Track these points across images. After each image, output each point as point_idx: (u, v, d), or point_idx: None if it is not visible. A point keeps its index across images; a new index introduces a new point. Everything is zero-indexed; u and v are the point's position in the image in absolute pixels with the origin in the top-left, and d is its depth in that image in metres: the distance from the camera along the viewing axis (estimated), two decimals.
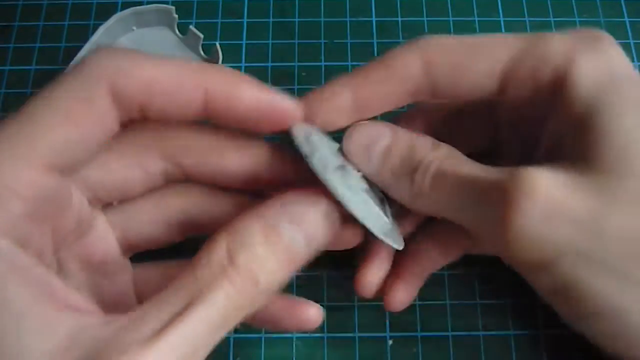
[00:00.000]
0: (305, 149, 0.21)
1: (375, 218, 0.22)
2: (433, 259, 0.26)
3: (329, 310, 0.27)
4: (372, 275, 0.25)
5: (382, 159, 0.23)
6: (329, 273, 0.28)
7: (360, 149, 0.23)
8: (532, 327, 0.27)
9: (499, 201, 0.19)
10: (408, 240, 0.24)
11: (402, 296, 0.25)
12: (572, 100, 0.21)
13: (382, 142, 0.23)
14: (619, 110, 0.20)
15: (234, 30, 0.33)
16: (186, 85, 0.20)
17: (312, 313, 0.23)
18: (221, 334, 0.18)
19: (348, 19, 0.34)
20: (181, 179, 0.23)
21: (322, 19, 0.34)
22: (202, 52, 0.32)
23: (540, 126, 0.22)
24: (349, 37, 0.33)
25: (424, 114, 0.27)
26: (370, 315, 0.27)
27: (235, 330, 0.27)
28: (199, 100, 0.20)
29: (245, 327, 0.27)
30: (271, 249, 0.19)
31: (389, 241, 0.22)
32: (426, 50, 0.22)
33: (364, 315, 0.27)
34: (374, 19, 0.34)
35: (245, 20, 0.34)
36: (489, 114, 0.25)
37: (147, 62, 0.19)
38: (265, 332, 0.27)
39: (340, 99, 0.23)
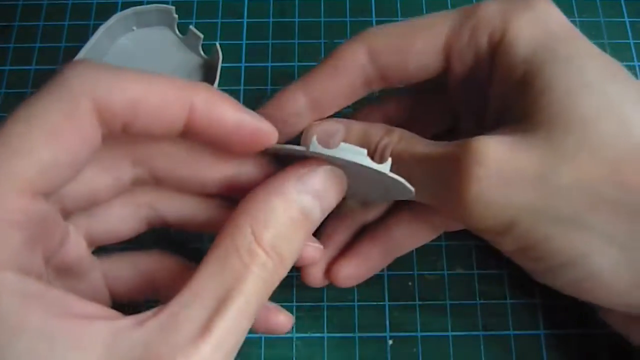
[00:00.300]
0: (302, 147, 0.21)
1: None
2: (398, 240, 0.26)
3: (329, 310, 0.27)
4: (313, 267, 0.26)
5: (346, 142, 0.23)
6: None
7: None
8: (532, 327, 0.27)
9: (452, 172, 0.20)
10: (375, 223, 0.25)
11: (347, 272, 0.26)
12: (509, 62, 0.21)
13: (337, 136, 0.23)
14: (555, 66, 0.20)
15: (234, 30, 0.33)
16: (171, 104, 0.19)
17: (282, 319, 0.23)
18: (256, 315, 0.18)
19: (348, 19, 0.34)
20: (150, 184, 0.22)
21: (322, 19, 0.34)
22: (202, 52, 0.32)
23: (486, 98, 0.23)
24: (348, 37, 0.33)
25: (380, 108, 0.27)
26: (370, 315, 0.27)
27: None
28: (183, 119, 0.19)
29: None
30: (294, 225, 0.19)
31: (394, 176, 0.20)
32: (368, 40, 0.23)
33: (364, 315, 0.27)
34: (374, 19, 0.34)
35: (245, 20, 0.34)
36: (442, 93, 0.25)
37: (131, 78, 0.19)
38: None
39: (295, 103, 0.23)
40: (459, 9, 0.23)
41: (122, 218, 0.23)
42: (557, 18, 0.21)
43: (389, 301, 0.28)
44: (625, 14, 0.34)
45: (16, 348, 0.15)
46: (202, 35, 0.31)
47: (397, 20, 0.34)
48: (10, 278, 0.16)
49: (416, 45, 0.22)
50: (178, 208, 0.23)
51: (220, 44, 0.31)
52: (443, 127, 0.26)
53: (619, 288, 0.20)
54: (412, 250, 0.28)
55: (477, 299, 0.28)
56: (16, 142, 0.17)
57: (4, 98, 0.32)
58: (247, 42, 0.33)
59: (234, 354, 0.17)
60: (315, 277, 0.26)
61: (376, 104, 0.27)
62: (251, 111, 0.21)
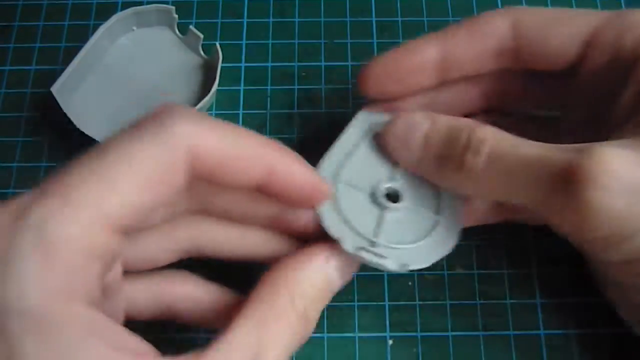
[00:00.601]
0: (334, 233, 0.22)
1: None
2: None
3: (329, 310, 0.27)
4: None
5: (422, 145, 0.23)
6: None
7: (399, 141, 0.23)
8: (532, 327, 0.27)
9: (571, 181, 0.19)
10: None
11: None
12: None
13: (421, 128, 0.23)
14: None
15: (234, 30, 0.33)
16: (256, 162, 0.20)
17: None
18: None
19: (348, 19, 0.34)
20: (197, 214, 0.23)
21: (322, 19, 0.34)
22: (202, 52, 0.32)
23: (612, 99, 0.22)
24: (349, 37, 0.33)
25: (476, 82, 0.26)
26: (370, 315, 0.27)
27: None
28: (263, 176, 0.20)
29: None
30: (321, 293, 0.21)
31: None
32: (516, 12, 0.23)
33: (364, 315, 0.27)
34: (374, 19, 0.34)
35: (245, 20, 0.34)
36: (561, 83, 0.24)
37: (224, 132, 0.19)
38: None
39: (427, 54, 0.23)
40: (607, 12, 0.22)
41: (162, 248, 0.23)
42: None
43: (389, 301, 0.28)
44: None
45: None
46: (202, 35, 0.31)
47: (397, 20, 0.34)
48: (82, 312, 0.16)
49: (562, 29, 0.22)
50: (218, 242, 0.23)
51: (220, 44, 0.31)
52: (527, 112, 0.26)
53: None
54: None
55: (477, 299, 0.28)
56: (112, 179, 0.17)
57: (4, 98, 0.32)
58: (247, 42, 0.33)
59: None
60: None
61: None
62: (313, 170, 0.22)
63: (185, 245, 0.23)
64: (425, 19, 0.34)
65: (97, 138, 0.28)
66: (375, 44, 0.33)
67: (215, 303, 0.23)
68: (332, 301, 0.27)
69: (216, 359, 0.18)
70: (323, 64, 0.33)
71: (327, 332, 0.27)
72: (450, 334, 0.27)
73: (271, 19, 0.34)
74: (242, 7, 0.34)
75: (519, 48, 0.23)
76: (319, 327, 0.27)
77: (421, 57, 0.24)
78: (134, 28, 0.32)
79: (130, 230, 0.18)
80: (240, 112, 0.32)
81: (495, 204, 0.25)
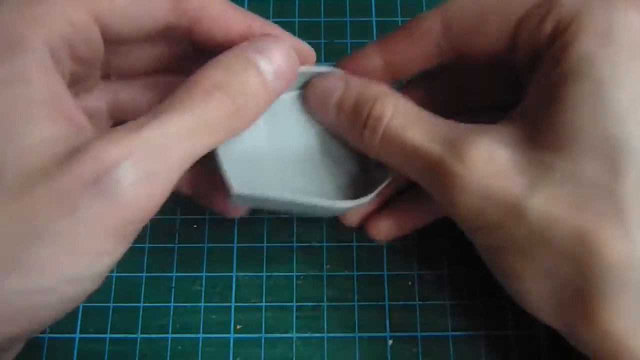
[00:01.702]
0: None
1: None
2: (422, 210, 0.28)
3: (329, 310, 0.28)
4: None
5: (336, 110, 0.24)
6: (328, 273, 0.28)
7: (318, 102, 0.25)
8: (532, 327, 0.27)
9: (439, 176, 0.21)
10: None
11: (384, 226, 0.27)
12: (559, 57, 0.20)
13: (336, 93, 0.24)
14: (593, 86, 0.19)
15: None
16: (233, 18, 0.23)
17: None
18: (191, 146, 0.19)
19: (348, 19, 0.34)
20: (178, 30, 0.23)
21: (322, 19, 0.34)
22: None
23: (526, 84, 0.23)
24: (349, 37, 0.33)
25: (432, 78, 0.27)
26: (370, 315, 0.27)
27: (235, 331, 0.27)
28: (240, 35, 0.23)
29: (245, 328, 0.27)
30: (247, 75, 0.21)
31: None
32: (444, 10, 0.23)
33: (364, 315, 0.27)
34: (374, 19, 0.34)
35: None
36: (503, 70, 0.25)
37: None
38: (265, 333, 0.27)
39: (370, 62, 0.25)
40: None
41: (144, 87, 0.25)
42: (632, 23, 0.20)
43: (389, 301, 0.28)
44: None
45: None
46: None
47: (397, 20, 0.34)
48: (41, 50, 0.19)
49: (489, 20, 0.23)
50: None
51: None
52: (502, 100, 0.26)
53: (543, 313, 0.22)
54: (412, 250, 0.28)
55: (477, 299, 0.28)
56: None
57: None
58: None
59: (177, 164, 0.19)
60: (352, 219, 0.28)
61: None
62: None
63: (166, 86, 0.25)
64: None
65: None
66: None
67: None
68: (332, 301, 0.28)
69: (153, 128, 0.19)
70: (323, 63, 0.32)
71: (327, 332, 0.27)
72: (450, 334, 0.27)
73: (271, 19, 0.34)
74: (242, 7, 0.34)
75: (453, 44, 0.23)
76: (319, 327, 0.27)
77: (367, 66, 0.25)
78: None
79: (107, 26, 0.21)
80: None
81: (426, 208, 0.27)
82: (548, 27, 0.21)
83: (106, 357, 0.27)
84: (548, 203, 0.20)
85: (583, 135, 0.19)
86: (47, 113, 0.18)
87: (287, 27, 0.33)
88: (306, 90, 0.25)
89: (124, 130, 0.18)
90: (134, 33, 0.22)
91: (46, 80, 0.19)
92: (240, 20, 0.23)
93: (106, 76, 0.25)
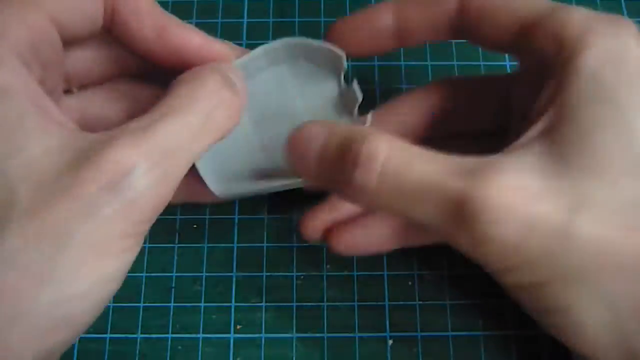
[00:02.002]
0: None
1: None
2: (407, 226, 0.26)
3: (329, 310, 0.28)
4: (316, 218, 0.26)
5: (319, 160, 0.21)
6: (329, 273, 0.28)
7: (297, 153, 0.22)
8: (532, 327, 0.27)
9: (465, 211, 0.19)
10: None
11: (346, 239, 0.25)
12: (570, 79, 0.20)
13: (317, 141, 0.21)
14: (613, 110, 0.19)
15: (234, 30, 0.33)
16: (146, 12, 0.23)
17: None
18: (199, 146, 0.20)
19: None
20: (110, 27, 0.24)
21: (322, 19, 0.34)
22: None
23: (532, 101, 0.22)
24: None
25: (417, 96, 0.27)
26: (370, 315, 0.27)
27: (235, 331, 0.27)
28: (154, 30, 0.23)
29: (245, 328, 0.27)
30: (222, 90, 0.22)
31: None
32: None
33: (364, 315, 0.27)
34: None
35: (245, 20, 0.34)
36: (499, 89, 0.25)
37: None
38: (265, 333, 0.27)
39: (383, 22, 0.24)
40: (549, 3, 0.22)
41: (108, 100, 0.25)
42: (636, 52, 0.20)
43: (389, 301, 0.28)
44: (625, 14, 0.34)
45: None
46: (359, 98, 0.25)
47: None
48: (13, 61, 0.19)
49: (499, 15, 0.22)
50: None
51: None
52: (487, 126, 0.26)
53: (598, 346, 0.20)
54: (413, 250, 0.28)
55: (477, 299, 0.28)
56: None
57: None
58: (247, 42, 0.33)
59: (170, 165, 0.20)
60: (313, 230, 0.26)
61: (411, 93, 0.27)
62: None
63: (126, 101, 0.25)
64: None
65: None
66: None
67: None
68: (332, 301, 0.28)
69: (162, 130, 0.19)
70: None
71: (327, 332, 0.27)
72: (450, 334, 0.27)
73: (271, 19, 0.34)
74: (242, 7, 0.34)
75: (465, 24, 0.23)
76: (319, 327, 0.27)
77: (378, 25, 0.24)
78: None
79: (63, 28, 0.21)
80: None
81: (395, 230, 0.26)
82: (555, 43, 0.21)
83: (106, 357, 0.27)
84: (597, 226, 0.18)
85: (615, 158, 0.19)
86: (39, 123, 0.18)
87: (287, 27, 0.33)
88: (286, 145, 0.22)
89: (131, 132, 0.19)
90: (82, 28, 0.22)
91: (27, 91, 0.19)
92: (156, 18, 0.23)
93: (68, 91, 0.25)
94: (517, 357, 0.27)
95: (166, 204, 0.20)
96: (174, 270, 0.28)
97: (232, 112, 0.22)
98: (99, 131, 0.22)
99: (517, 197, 0.18)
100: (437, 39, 0.24)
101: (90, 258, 0.18)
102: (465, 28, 0.23)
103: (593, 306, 0.19)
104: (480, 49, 0.33)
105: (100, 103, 0.25)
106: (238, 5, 0.34)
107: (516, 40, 0.22)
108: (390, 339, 0.27)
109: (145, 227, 0.19)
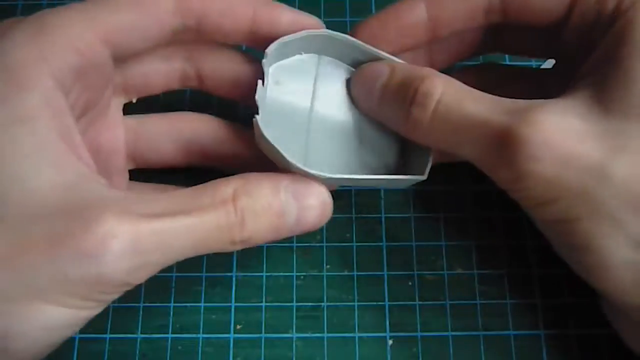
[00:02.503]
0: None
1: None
2: None
3: (329, 310, 0.28)
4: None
5: (381, 93, 0.24)
6: (328, 273, 0.28)
7: (363, 88, 0.24)
8: (533, 327, 0.27)
9: (507, 146, 0.20)
10: None
11: None
12: (622, 35, 0.20)
13: (381, 78, 0.24)
14: None
15: None
16: (237, 6, 0.23)
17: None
18: (191, 253, 0.20)
19: (348, 19, 0.34)
20: (194, 85, 0.25)
21: (322, 19, 0.34)
22: None
23: (587, 57, 0.22)
24: None
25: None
26: (370, 315, 0.27)
27: (235, 331, 0.27)
28: (248, 20, 0.23)
29: (245, 328, 0.27)
30: (267, 211, 0.21)
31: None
32: None
33: (364, 315, 0.27)
34: None
35: None
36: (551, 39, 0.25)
37: None
38: (265, 333, 0.27)
39: (416, 16, 0.24)
40: None
41: (167, 134, 0.25)
42: None
43: (389, 301, 0.28)
44: None
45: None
46: None
47: None
48: (48, 84, 0.19)
49: None
50: (216, 139, 0.25)
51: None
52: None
53: (621, 285, 0.20)
54: (412, 250, 0.28)
55: (477, 299, 0.28)
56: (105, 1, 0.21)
57: None
58: None
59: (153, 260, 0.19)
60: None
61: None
62: (302, 12, 0.24)
63: (187, 136, 0.25)
64: None
65: None
66: None
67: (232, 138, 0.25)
68: (332, 301, 0.28)
69: (164, 224, 0.19)
70: None
71: (327, 332, 0.27)
72: (450, 334, 0.27)
73: None
74: None
75: (506, 4, 0.23)
76: (319, 327, 0.27)
77: (411, 19, 0.24)
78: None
79: (119, 49, 0.21)
80: None
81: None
82: (609, 5, 0.21)
83: (106, 357, 0.27)
84: (633, 169, 0.19)
85: None
86: (53, 156, 0.19)
87: None
88: (352, 77, 0.25)
89: (135, 211, 0.18)
90: (142, 45, 0.22)
91: (53, 120, 0.19)
92: (245, 7, 0.23)
93: (128, 102, 0.25)
94: (517, 357, 0.27)
95: (139, 283, 0.20)
96: (174, 270, 0.28)
97: (240, 232, 0.20)
98: (145, 164, 0.24)
99: (558, 135, 0.19)
100: (472, 25, 0.24)
101: (41, 304, 0.18)
102: (505, 7, 0.23)
103: (620, 246, 0.20)
104: None
105: (155, 132, 0.25)
106: None
107: (567, 8, 0.22)
108: (390, 339, 0.27)
109: (109, 298, 0.19)
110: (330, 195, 0.22)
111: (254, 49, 0.25)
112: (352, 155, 0.25)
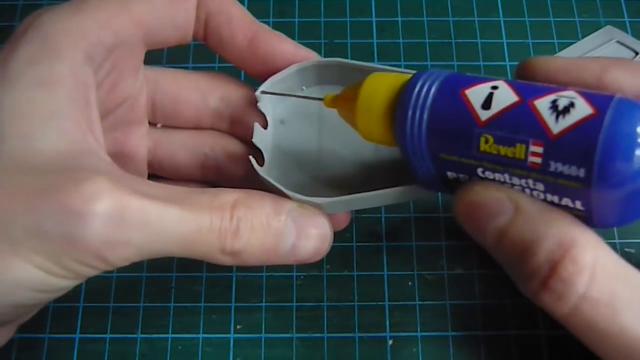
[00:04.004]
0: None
1: None
2: None
3: (329, 310, 0.28)
4: None
5: (496, 241, 0.19)
6: (328, 273, 0.28)
7: (472, 221, 0.19)
8: (532, 327, 0.27)
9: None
10: None
11: None
12: None
13: (499, 219, 0.18)
14: None
15: None
16: (245, 17, 0.24)
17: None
18: (176, 249, 0.19)
19: (348, 19, 0.34)
20: (223, 128, 0.26)
21: (322, 19, 0.34)
22: None
23: None
24: (349, 37, 0.33)
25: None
26: (370, 315, 0.27)
27: (235, 331, 0.27)
28: (249, 34, 0.23)
29: (245, 328, 0.27)
30: (264, 228, 0.20)
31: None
32: None
33: (364, 315, 0.27)
34: (374, 19, 0.34)
35: None
36: None
37: None
38: (265, 333, 0.27)
39: (588, 73, 0.20)
40: None
41: (186, 147, 0.25)
42: None
43: (389, 301, 0.28)
44: (625, 14, 0.34)
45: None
46: None
47: (397, 20, 0.34)
48: (79, 56, 0.20)
49: None
50: (234, 158, 0.25)
51: None
52: None
53: None
54: (412, 250, 0.28)
55: (477, 299, 0.28)
56: None
57: None
58: None
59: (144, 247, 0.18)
60: None
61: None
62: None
63: (207, 151, 0.25)
64: (425, 18, 0.34)
65: None
66: (375, 43, 0.33)
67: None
68: (332, 301, 0.28)
69: (157, 208, 0.18)
70: None
71: (327, 332, 0.27)
72: (450, 334, 0.27)
73: (271, 19, 0.34)
74: None
75: None
76: (319, 327, 0.27)
77: (582, 75, 0.20)
78: (304, 88, 0.26)
79: (150, 32, 0.22)
80: None
81: None
82: None
83: (106, 357, 0.27)
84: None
85: None
86: (64, 124, 0.19)
87: (287, 27, 0.33)
88: (460, 193, 0.19)
89: (129, 185, 0.18)
90: (172, 34, 0.23)
91: (74, 91, 0.19)
92: (250, 22, 0.23)
93: (152, 124, 0.26)
94: (517, 357, 0.27)
95: (112, 267, 0.18)
96: (174, 270, 0.28)
97: (232, 244, 0.20)
98: (164, 173, 0.25)
99: None
100: None
101: (9, 256, 0.17)
102: None
103: None
104: (479, 48, 0.33)
105: (175, 143, 0.25)
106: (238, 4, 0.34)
107: None
108: (390, 339, 0.27)
109: (81, 271, 0.18)
110: (331, 230, 0.22)
111: (250, 75, 0.25)
112: (365, 179, 0.25)
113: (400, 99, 0.19)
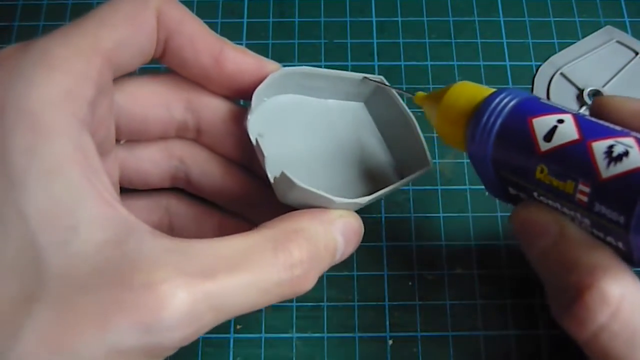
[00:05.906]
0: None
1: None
2: None
3: (329, 310, 0.28)
4: None
5: (540, 258, 0.20)
6: (329, 273, 0.28)
7: (523, 236, 0.21)
8: (532, 327, 0.27)
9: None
10: None
11: None
12: None
13: (543, 240, 0.20)
14: None
15: (234, 30, 0.33)
16: (207, 35, 0.22)
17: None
18: (247, 311, 0.18)
19: (348, 19, 0.34)
20: (190, 138, 0.25)
21: (322, 19, 0.34)
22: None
23: None
24: (349, 37, 0.33)
25: None
26: (370, 315, 0.27)
27: (235, 331, 0.27)
28: (214, 53, 0.22)
29: (245, 329, 0.27)
30: (323, 256, 0.21)
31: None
32: None
33: (364, 315, 0.27)
34: (374, 19, 0.34)
35: (245, 20, 0.34)
36: None
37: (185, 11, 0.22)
38: (265, 333, 0.27)
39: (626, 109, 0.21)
40: None
41: (155, 161, 0.25)
42: None
43: (389, 301, 0.28)
44: (625, 14, 0.34)
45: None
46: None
47: (397, 20, 0.34)
48: (75, 133, 0.17)
49: None
50: (204, 168, 0.25)
51: None
52: None
53: None
54: (412, 250, 0.28)
55: (477, 299, 0.28)
56: (99, 20, 0.20)
57: None
58: (247, 42, 0.33)
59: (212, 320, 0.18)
60: None
61: None
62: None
63: (175, 163, 0.25)
64: (425, 18, 0.34)
65: None
66: (375, 43, 0.33)
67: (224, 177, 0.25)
68: (332, 301, 0.28)
69: (224, 283, 0.17)
70: (323, 64, 0.33)
71: (327, 332, 0.27)
72: (450, 334, 0.27)
73: (271, 19, 0.34)
74: (242, 7, 0.34)
75: None
76: (319, 327, 0.27)
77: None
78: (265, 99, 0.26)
79: (119, 66, 0.20)
80: None
81: None
82: None
83: None
84: None
85: None
86: (91, 210, 0.17)
87: (287, 27, 0.33)
88: (517, 208, 0.21)
89: (187, 270, 0.17)
90: (137, 61, 0.21)
91: (85, 168, 0.17)
92: (211, 44, 0.22)
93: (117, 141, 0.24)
94: (517, 357, 0.27)
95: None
96: None
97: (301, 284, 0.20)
98: (131, 186, 0.24)
99: None
100: None
101: None
102: None
103: None
104: (479, 48, 0.33)
105: (142, 158, 0.25)
106: (238, 5, 0.34)
107: None
108: (390, 339, 0.27)
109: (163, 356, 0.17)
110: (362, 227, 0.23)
111: (212, 91, 0.24)
112: (356, 177, 0.26)
113: (479, 107, 0.21)
